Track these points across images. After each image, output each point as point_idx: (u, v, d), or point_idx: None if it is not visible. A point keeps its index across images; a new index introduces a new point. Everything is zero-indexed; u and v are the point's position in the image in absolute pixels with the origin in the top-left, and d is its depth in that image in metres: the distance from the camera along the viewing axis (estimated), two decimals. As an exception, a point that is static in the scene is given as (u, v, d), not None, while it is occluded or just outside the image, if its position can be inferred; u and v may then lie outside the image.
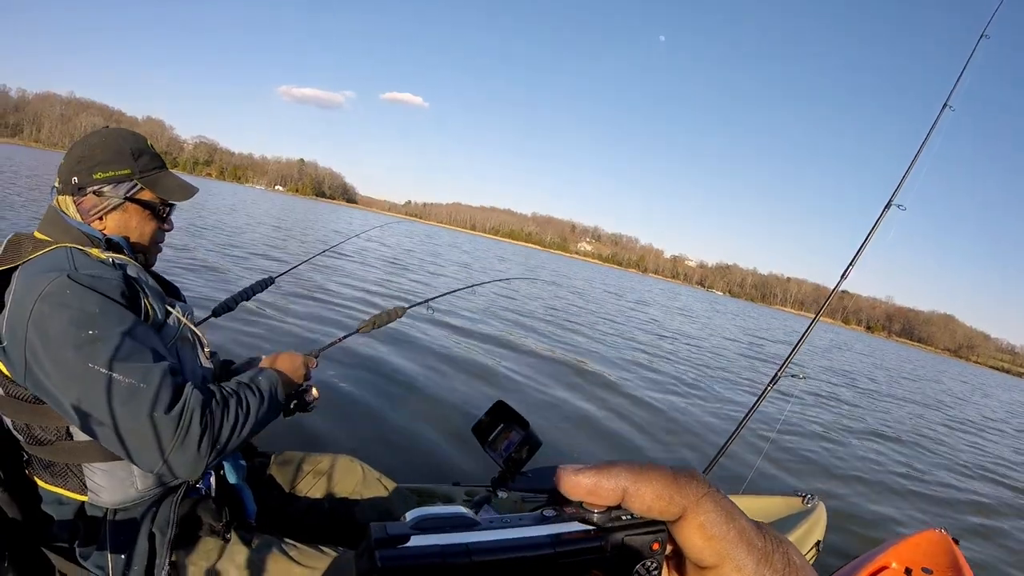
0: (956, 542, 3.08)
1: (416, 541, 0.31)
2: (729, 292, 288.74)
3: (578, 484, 0.35)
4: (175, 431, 1.35)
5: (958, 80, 2.46)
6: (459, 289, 3.50)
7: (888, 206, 2.27)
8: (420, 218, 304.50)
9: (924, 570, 2.89)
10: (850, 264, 2.27)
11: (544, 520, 0.35)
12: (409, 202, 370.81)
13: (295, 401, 1.97)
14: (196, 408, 1.40)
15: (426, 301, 2.86)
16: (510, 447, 2.76)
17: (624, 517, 0.35)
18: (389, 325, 2.47)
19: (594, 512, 0.35)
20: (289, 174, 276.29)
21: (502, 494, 2.79)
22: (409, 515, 0.33)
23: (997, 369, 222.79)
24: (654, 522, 0.35)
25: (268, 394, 1.62)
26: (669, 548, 0.37)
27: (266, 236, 22.00)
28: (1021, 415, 23.21)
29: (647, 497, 0.34)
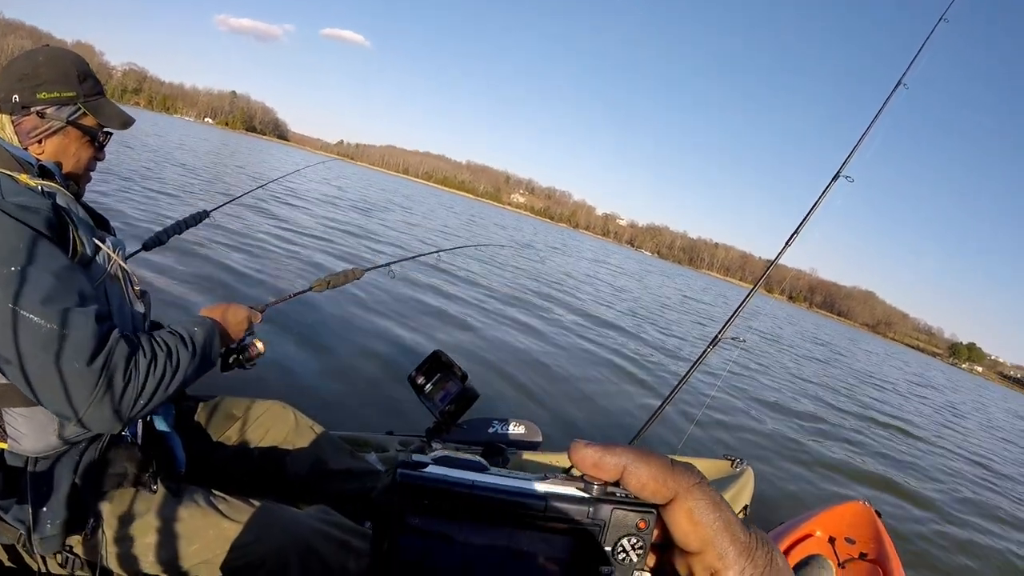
0: (879, 514, 3.20)
1: (432, 470, 0.37)
2: (658, 253, 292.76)
3: (585, 455, 0.39)
4: (95, 385, 1.27)
5: (914, 59, 2.49)
6: (424, 254, 3.43)
7: (836, 177, 2.28)
8: (353, 159, 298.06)
9: (847, 540, 3.00)
10: (794, 234, 2.28)
11: (544, 479, 0.39)
12: (342, 142, 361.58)
13: (235, 356, 1.89)
14: (120, 361, 1.31)
15: (387, 264, 2.80)
16: (446, 398, 2.75)
17: (619, 494, 0.38)
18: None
19: (594, 484, 0.38)
20: (220, 107, 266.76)
21: (436, 445, 2.78)
22: (432, 454, 0.39)
23: (912, 347, 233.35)
24: (645, 504, 0.38)
25: (202, 348, 1.54)
26: (656, 534, 0.39)
27: (193, 172, 21.23)
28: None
29: (643, 476, 0.38)
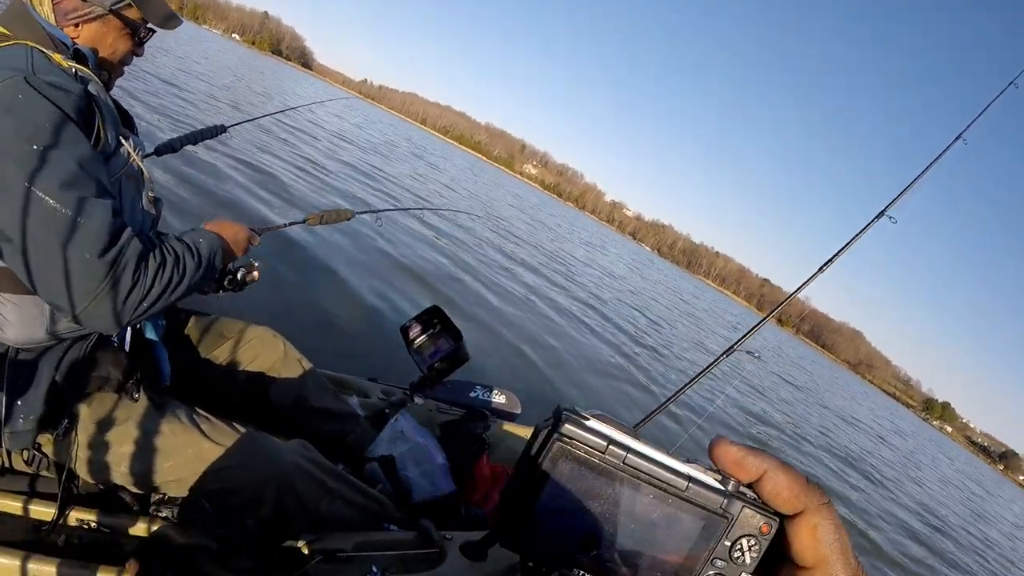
0: None
1: (592, 424, 0.39)
2: (658, 251, 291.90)
3: (729, 452, 0.40)
4: (103, 279, 1.23)
5: (977, 117, 2.48)
6: (411, 209, 3.40)
7: (881, 215, 2.24)
8: (374, 99, 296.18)
9: None
10: (827, 263, 2.24)
11: (688, 462, 0.40)
12: (366, 80, 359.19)
13: (229, 277, 1.86)
14: (132, 259, 1.27)
15: (377, 212, 2.80)
16: (437, 354, 2.74)
17: (751, 496, 0.40)
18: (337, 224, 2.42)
19: (731, 480, 0.40)
20: (250, 25, 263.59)
21: (418, 400, 2.76)
22: (592, 411, 0.40)
23: (889, 394, 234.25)
24: (773, 511, 0.40)
25: (207, 260, 1.50)
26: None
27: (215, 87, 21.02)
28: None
29: (780, 484, 0.39)
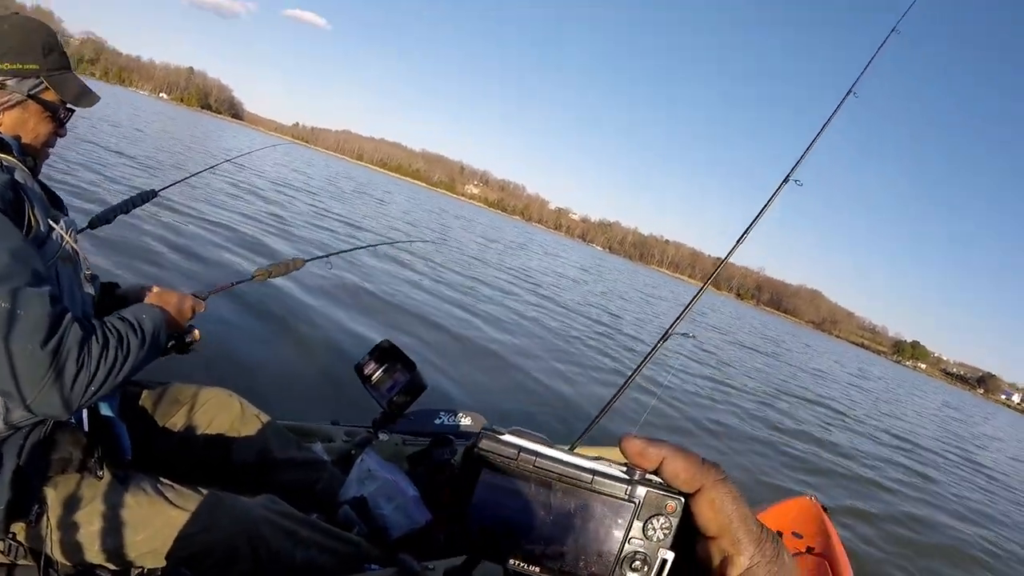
0: (825, 509, 3.27)
1: (506, 438, 0.45)
2: (609, 248, 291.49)
3: (631, 445, 0.45)
4: (48, 368, 1.24)
5: (865, 68, 2.55)
6: (361, 247, 3.45)
7: (786, 180, 2.33)
8: (308, 142, 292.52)
9: (794, 534, 3.06)
10: (744, 234, 2.32)
11: (596, 460, 0.46)
12: (297, 124, 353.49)
13: (173, 342, 1.86)
14: (74, 346, 1.29)
15: (327, 256, 2.81)
16: (394, 388, 2.73)
17: (655, 481, 0.45)
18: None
19: (636, 470, 0.45)
20: (176, 82, 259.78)
21: (383, 436, 2.77)
22: (511, 428, 0.46)
23: (857, 344, 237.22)
24: (675, 491, 0.45)
25: (151, 336, 1.51)
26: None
27: (143, 149, 20.70)
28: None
29: (678, 467, 0.44)
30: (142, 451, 1.85)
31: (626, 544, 0.45)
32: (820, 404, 13.70)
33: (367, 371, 2.79)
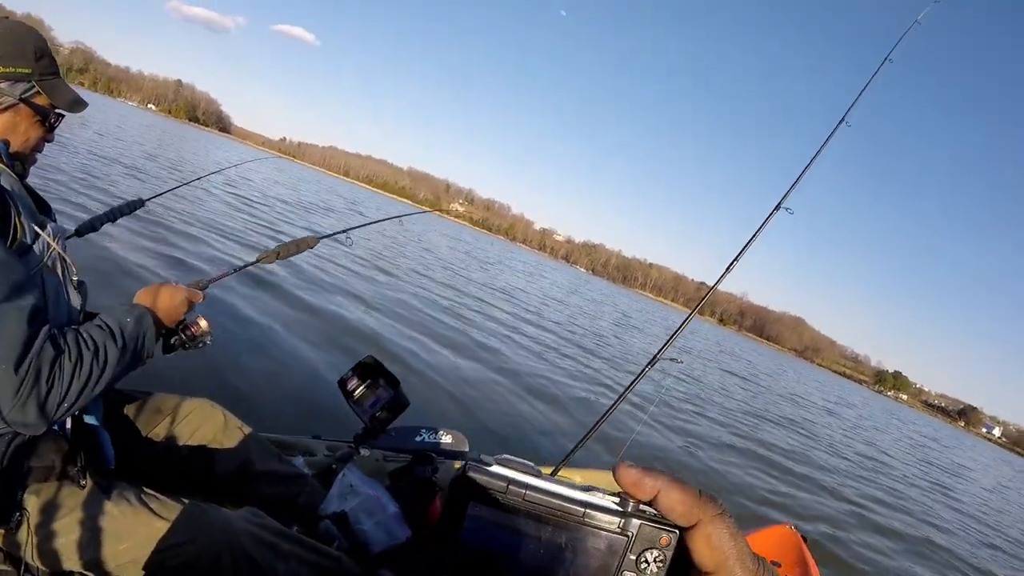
0: (804, 539, 3.26)
1: (496, 469, 0.44)
2: (592, 270, 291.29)
3: (627, 474, 0.44)
4: (17, 391, 1.23)
5: (857, 98, 2.56)
6: (376, 221, 3.27)
7: (777, 208, 2.34)
8: (294, 157, 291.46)
9: (773, 563, 3.05)
10: (734, 261, 2.33)
11: (588, 491, 0.45)
12: (284, 139, 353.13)
13: (176, 336, 1.80)
14: (44, 366, 1.27)
15: (346, 231, 2.69)
16: (377, 404, 2.73)
17: (649, 513, 0.44)
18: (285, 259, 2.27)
19: (630, 501, 0.44)
20: (164, 94, 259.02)
21: (364, 451, 2.76)
22: (498, 457, 0.45)
23: (839, 373, 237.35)
24: (670, 524, 0.44)
25: (133, 343, 1.49)
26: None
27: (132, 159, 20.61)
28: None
29: (674, 500, 0.43)
30: (124, 460, 1.82)
31: None
32: (799, 431, 13.75)
33: (350, 386, 2.77)
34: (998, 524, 12.53)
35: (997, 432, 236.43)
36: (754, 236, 2.34)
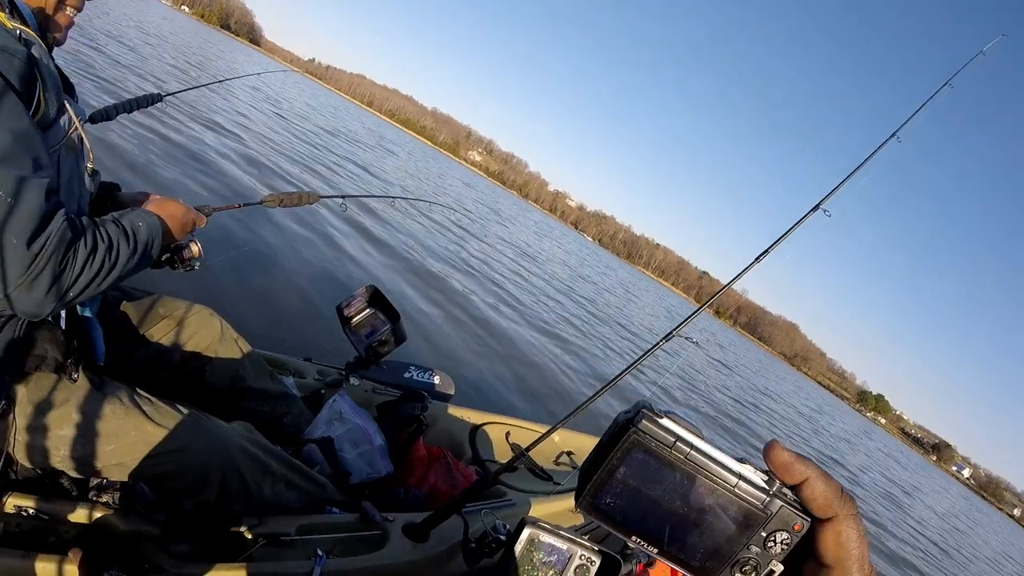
0: None
1: (665, 423, 0.45)
2: (599, 241, 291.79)
3: (779, 456, 0.46)
4: (28, 268, 1.17)
5: (912, 115, 2.48)
6: (378, 196, 3.36)
7: (815, 208, 2.28)
8: (321, 79, 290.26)
9: None
10: (762, 254, 2.26)
11: (742, 461, 0.46)
12: (313, 60, 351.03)
13: (167, 255, 1.80)
14: (60, 247, 1.21)
15: (343, 197, 2.73)
16: (373, 335, 2.70)
17: (790, 497, 0.46)
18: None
19: (776, 482, 0.46)
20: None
21: (354, 380, 2.74)
22: (667, 410, 0.47)
23: (824, 386, 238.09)
24: (808, 513, 0.46)
25: (144, 245, 1.44)
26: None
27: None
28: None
29: (818, 490, 0.45)
30: (115, 358, 1.78)
31: (744, 550, 0.47)
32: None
33: (348, 313, 2.74)
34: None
35: (966, 473, 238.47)
36: (786, 233, 2.28)
